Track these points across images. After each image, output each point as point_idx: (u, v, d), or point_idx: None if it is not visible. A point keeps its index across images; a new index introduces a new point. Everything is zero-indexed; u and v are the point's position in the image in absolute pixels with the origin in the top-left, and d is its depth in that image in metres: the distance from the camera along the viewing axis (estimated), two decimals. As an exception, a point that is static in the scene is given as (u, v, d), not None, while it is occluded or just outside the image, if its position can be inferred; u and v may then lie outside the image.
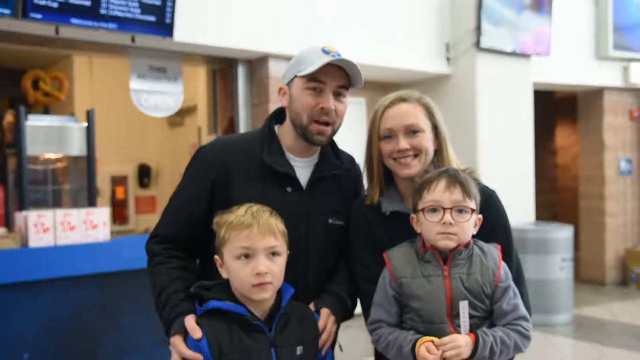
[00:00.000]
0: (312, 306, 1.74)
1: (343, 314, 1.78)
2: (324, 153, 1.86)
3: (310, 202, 1.77)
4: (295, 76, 1.76)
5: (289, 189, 1.75)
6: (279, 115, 1.87)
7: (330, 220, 1.81)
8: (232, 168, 1.73)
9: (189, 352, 1.51)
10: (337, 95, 1.76)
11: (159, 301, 1.66)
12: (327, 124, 1.75)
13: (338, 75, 1.74)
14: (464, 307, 1.53)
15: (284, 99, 1.82)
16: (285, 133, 1.82)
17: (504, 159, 5.94)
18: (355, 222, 1.82)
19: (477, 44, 5.79)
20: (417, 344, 1.51)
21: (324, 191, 1.82)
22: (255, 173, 1.74)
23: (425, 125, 1.75)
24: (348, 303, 1.80)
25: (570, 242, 5.87)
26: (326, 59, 1.70)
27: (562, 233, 5.83)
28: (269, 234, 1.53)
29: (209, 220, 1.71)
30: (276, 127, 1.85)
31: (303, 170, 1.80)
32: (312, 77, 1.72)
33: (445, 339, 1.50)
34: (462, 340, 1.49)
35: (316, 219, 1.77)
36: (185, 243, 1.75)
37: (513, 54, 6.11)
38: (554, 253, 5.73)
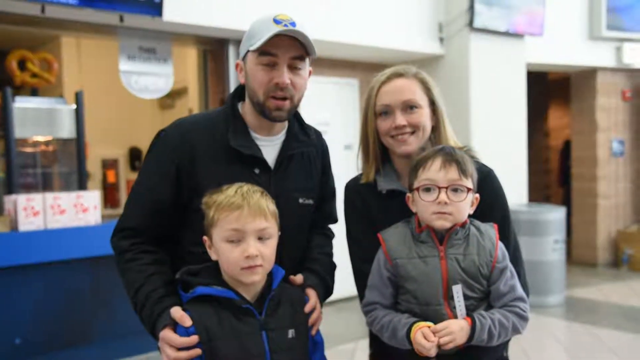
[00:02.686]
0: (298, 277, 1.70)
1: (324, 296, 1.75)
2: (290, 130, 1.78)
3: (279, 183, 1.70)
4: (248, 51, 1.66)
5: (256, 171, 1.67)
6: (241, 93, 1.77)
7: (300, 200, 1.76)
8: (196, 151, 1.65)
9: (183, 340, 1.45)
10: (294, 67, 1.65)
11: (136, 300, 1.59)
12: (284, 98, 1.65)
13: (291, 46, 1.62)
14: (457, 291, 1.50)
15: (241, 76, 1.73)
16: (247, 111, 1.73)
17: (497, 140, 5.93)
18: (350, 201, 1.79)
19: (471, 24, 5.75)
20: (413, 328, 1.49)
21: (292, 170, 1.75)
22: (221, 155, 1.65)
23: (423, 101, 1.70)
24: (330, 285, 1.79)
25: (562, 224, 5.89)
26: (276, 29, 1.58)
27: (555, 214, 5.84)
28: (259, 216, 1.49)
29: (176, 208, 1.66)
30: (239, 105, 1.76)
31: (270, 149, 1.72)
32: (262, 51, 1.60)
33: (439, 326, 1.47)
34: (455, 326, 1.46)
35: (287, 199, 1.70)
36: (153, 234, 1.66)
37: (506, 34, 6.06)
38: (546, 234, 5.75)
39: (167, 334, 1.48)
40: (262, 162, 1.69)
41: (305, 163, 1.80)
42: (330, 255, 1.87)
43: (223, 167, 1.65)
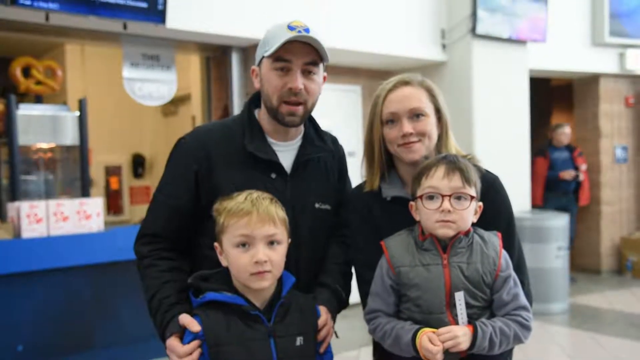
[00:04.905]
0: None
1: (339, 308, 1.76)
2: (306, 135, 1.80)
3: (295, 187, 1.72)
4: (263, 57, 1.69)
5: (273, 175, 1.70)
6: (258, 100, 1.80)
7: (316, 205, 1.77)
8: (213, 157, 1.68)
9: (185, 349, 1.47)
10: (307, 72, 1.68)
11: (151, 307, 1.62)
12: (297, 103, 1.68)
13: (305, 52, 1.66)
14: (459, 299, 1.50)
15: (256, 81, 1.76)
16: (263, 117, 1.76)
17: (500, 146, 5.92)
18: (355, 208, 1.79)
19: (473, 30, 5.75)
20: (419, 334, 1.49)
21: (308, 175, 1.77)
22: (238, 160, 1.69)
23: (429, 109, 1.70)
24: (343, 295, 1.79)
25: (566, 231, 5.87)
26: (289, 35, 1.62)
27: (558, 221, 5.82)
28: (268, 222, 1.50)
29: (196, 213, 1.68)
30: (256, 112, 1.80)
31: (286, 154, 1.75)
32: (277, 57, 1.65)
33: (442, 330, 1.47)
34: (459, 331, 1.46)
35: (303, 204, 1.73)
36: (174, 239, 1.70)
37: (509, 40, 6.07)
38: (549, 241, 5.72)
39: (172, 342, 1.52)
40: (279, 167, 1.71)
41: (321, 168, 1.82)
42: (347, 263, 1.86)
43: (240, 172, 1.67)
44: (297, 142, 1.79)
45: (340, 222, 1.88)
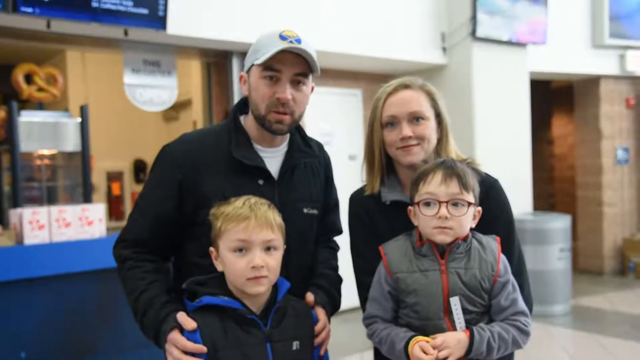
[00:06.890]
0: (309, 296, 1.71)
1: (332, 312, 1.77)
2: (292, 141, 1.80)
3: (283, 193, 1.72)
4: (253, 64, 1.69)
5: (260, 182, 1.70)
6: (244, 106, 1.80)
7: (305, 210, 1.77)
8: (200, 164, 1.67)
9: (191, 345, 1.47)
10: (296, 83, 1.68)
11: (137, 306, 1.61)
12: (285, 113, 1.67)
13: (295, 63, 1.65)
14: (455, 303, 1.50)
15: (244, 88, 1.76)
16: (250, 123, 1.76)
17: (501, 148, 5.93)
18: (354, 213, 1.79)
19: (473, 33, 5.77)
20: (411, 342, 1.49)
21: (296, 181, 1.77)
22: (224, 167, 1.68)
23: (429, 113, 1.70)
24: (338, 300, 1.80)
25: (567, 232, 5.87)
26: (281, 45, 1.61)
27: (560, 223, 5.83)
28: (266, 227, 1.51)
29: (179, 221, 1.67)
30: (242, 118, 1.79)
31: (273, 160, 1.74)
32: (267, 66, 1.64)
33: (437, 341, 1.46)
34: (453, 340, 1.46)
35: (291, 209, 1.72)
36: (155, 246, 1.69)
37: (509, 43, 6.08)
38: (551, 243, 5.73)
39: (175, 335, 1.50)
40: (266, 173, 1.71)
41: (308, 174, 1.82)
42: (336, 269, 1.88)
43: (227, 179, 1.67)
44: (283, 148, 1.79)
45: (326, 227, 1.90)
